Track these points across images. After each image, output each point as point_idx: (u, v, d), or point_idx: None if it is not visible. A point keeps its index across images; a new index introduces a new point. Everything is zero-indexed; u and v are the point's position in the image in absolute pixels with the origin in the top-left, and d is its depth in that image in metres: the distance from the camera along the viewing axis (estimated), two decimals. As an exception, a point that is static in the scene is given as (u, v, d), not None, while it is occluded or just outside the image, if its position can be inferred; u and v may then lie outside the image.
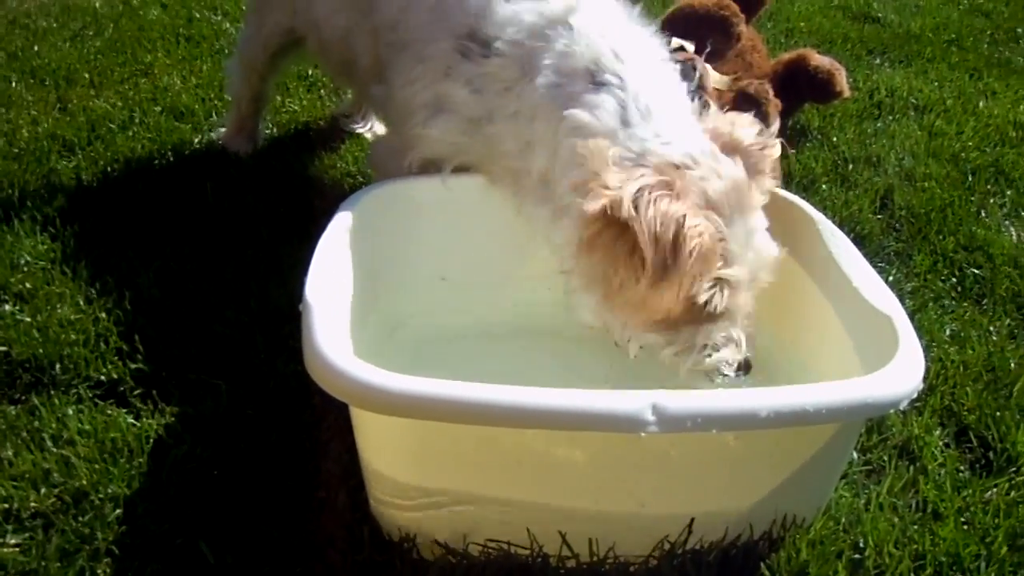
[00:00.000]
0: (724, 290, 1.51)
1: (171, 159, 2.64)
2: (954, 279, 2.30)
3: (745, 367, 1.59)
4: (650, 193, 1.44)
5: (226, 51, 3.38)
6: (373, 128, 2.88)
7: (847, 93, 2.96)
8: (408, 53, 1.84)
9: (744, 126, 1.67)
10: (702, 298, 1.49)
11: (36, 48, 3.37)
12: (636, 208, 1.42)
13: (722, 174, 1.54)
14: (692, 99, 1.71)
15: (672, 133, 1.59)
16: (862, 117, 3.17)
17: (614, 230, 1.46)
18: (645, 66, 1.68)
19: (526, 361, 1.86)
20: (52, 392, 1.74)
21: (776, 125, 2.60)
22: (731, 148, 1.62)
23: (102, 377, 1.78)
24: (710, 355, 1.56)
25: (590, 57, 1.65)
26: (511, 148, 1.72)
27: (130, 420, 1.68)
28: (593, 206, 1.45)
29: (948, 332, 2.07)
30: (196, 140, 2.75)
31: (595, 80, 1.63)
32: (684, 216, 1.44)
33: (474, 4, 1.75)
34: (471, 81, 1.73)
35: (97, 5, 3.88)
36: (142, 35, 3.56)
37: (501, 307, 1.92)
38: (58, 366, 1.79)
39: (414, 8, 1.86)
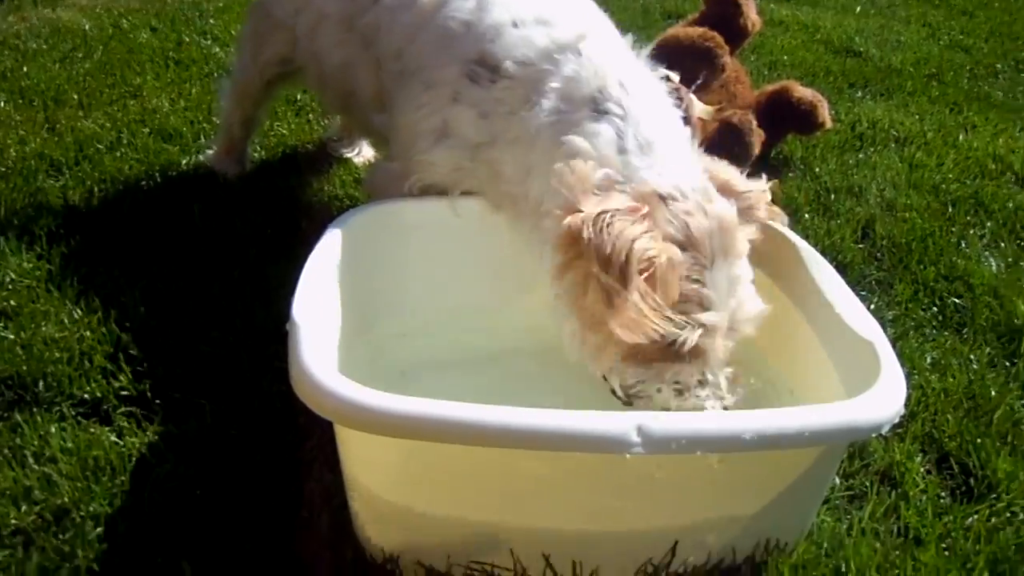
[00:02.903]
0: (695, 331, 1.44)
1: (159, 180, 2.64)
2: (935, 308, 2.32)
3: None
4: (611, 216, 1.41)
5: (215, 75, 3.40)
6: (362, 152, 2.90)
7: (829, 124, 3.01)
8: (414, 80, 1.86)
9: (734, 172, 1.66)
10: (670, 336, 1.43)
11: (25, 69, 3.37)
12: (593, 231, 1.40)
13: (710, 213, 1.50)
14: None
15: (668, 167, 1.56)
16: (844, 148, 3.22)
17: (578, 253, 1.44)
18: (650, 100, 1.67)
19: (514, 384, 1.86)
20: (35, 410, 1.72)
21: (756, 154, 2.66)
22: (726, 190, 1.60)
23: (85, 395, 1.77)
24: (690, 396, 1.48)
25: (596, 85, 1.64)
26: (511, 173, 1.71)
27: (113, 438, 1.67)
28: (560, 229, 1.44)
29: (929, 360, 2.09)
30: (184, 162, 2.76)
31: (597, 108, 1.63)
32: (637, 238, 1.40)
33: (484, 29, 1.77)
34: (478, 105, 1.74)
35: (87, 27, 3.90)
36: (132, 57, 3.58)
37: (492, 330, 1.93)
38: (41, 384, 1.78)
39: (421, 37, 1.88)
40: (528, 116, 1.68)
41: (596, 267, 1.40)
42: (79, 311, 1.99)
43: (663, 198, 1.49)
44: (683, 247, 1.46)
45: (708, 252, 1.47)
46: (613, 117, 1.62)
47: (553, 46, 1.71)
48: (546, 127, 1.65)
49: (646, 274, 1.39)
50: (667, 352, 1.46)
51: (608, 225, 1.40)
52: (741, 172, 1.69)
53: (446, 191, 1.84)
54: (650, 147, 1.58)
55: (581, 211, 1.44)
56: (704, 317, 1.45)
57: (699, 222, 1.48)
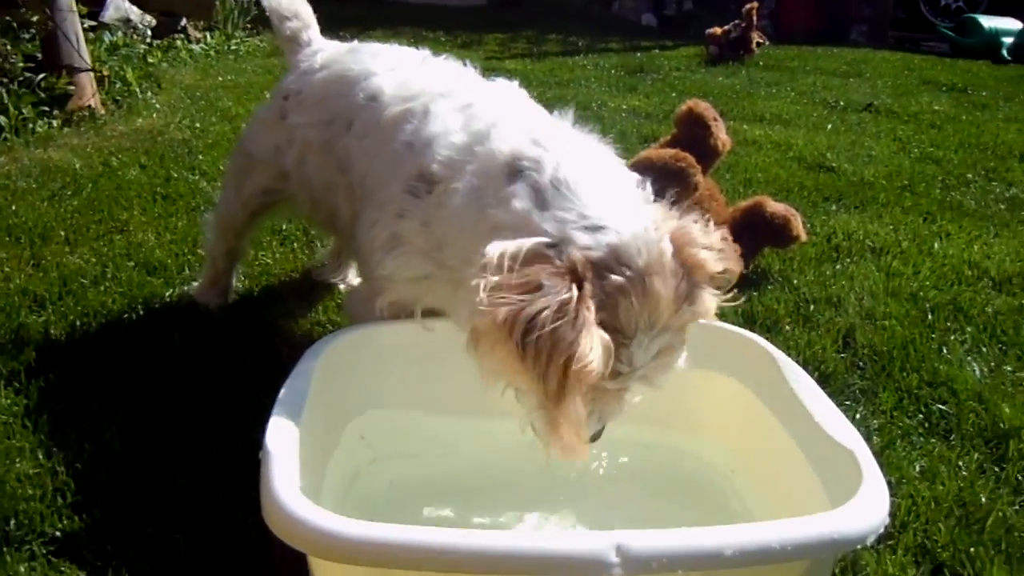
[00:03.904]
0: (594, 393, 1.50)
1: (141, 313, 2.66)
2: (920, 415, 2.31)
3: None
4: (543, 326, 1.37)
5: (202, 208, 3.46)
6: (347, 279, 2.93)
7: (803, 237, 3.06)
8: (371, 202, 1.91)
9: (714, 246, 1.60)
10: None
11: (14, 208, 3.43)
12: (526, 340, 1.38)
13: (648, 291, 1.46)
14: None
15: (602, 212, 1.52)
16: (821, 260, 3.27)
17: (499, 339, 1.41)
18: (569, 145, 1.66)
19: (494, 505, 1.83)
20: (4, 549, 1.68)
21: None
22: (686, 255, 1.54)
23: (57, 533, 1.73)
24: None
25: (509, 152, 1.63)
26: (455, 263, 1.68)
27: (83, 577, 1.63)
28: (490, 319, 1.40)
29: (918, 468, 2.07)
30: (167, 294, 2.78)
31: (512, 172, 1.61)
32: (575, 349, 1.37)
33: (420, 145, 1.82)
34: (419, 216, 1.76)
35: (78, 166, 3.99)
36: (119, 194, 3.65)
37: (468, 452, 1.91)
38: (12, 522, 1.74)
39: (377, 163, 1.94)
40: (456, 206, 1.67)
41: (525, 370, 1.41)
42: (54, 446, 1.97)
43: (596, 268, 1.46)
44: (609, 329, 1.44)
45: (632, 331, 1.47)
46: (528, 172, 1.59)
47: (469, 138, 1.74)
48: (466, 207, 1.64)
49: (579, 378, 1.39)
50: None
51: (538, 339, 1.37)
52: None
53: (412, 307, 1.83)
54: (569, 189, 1.54)
55: (505, 300, 1.40)
56: (608, 384, 1.47)
57: (631, 303, 1.46)
